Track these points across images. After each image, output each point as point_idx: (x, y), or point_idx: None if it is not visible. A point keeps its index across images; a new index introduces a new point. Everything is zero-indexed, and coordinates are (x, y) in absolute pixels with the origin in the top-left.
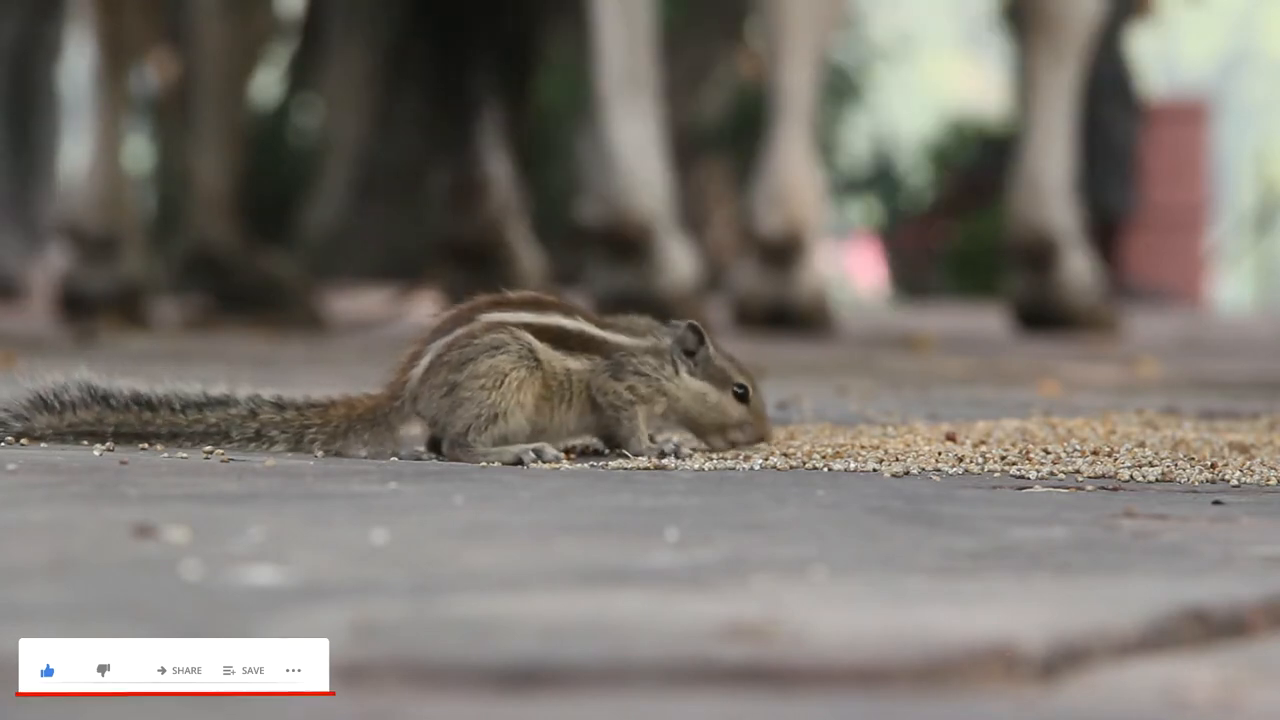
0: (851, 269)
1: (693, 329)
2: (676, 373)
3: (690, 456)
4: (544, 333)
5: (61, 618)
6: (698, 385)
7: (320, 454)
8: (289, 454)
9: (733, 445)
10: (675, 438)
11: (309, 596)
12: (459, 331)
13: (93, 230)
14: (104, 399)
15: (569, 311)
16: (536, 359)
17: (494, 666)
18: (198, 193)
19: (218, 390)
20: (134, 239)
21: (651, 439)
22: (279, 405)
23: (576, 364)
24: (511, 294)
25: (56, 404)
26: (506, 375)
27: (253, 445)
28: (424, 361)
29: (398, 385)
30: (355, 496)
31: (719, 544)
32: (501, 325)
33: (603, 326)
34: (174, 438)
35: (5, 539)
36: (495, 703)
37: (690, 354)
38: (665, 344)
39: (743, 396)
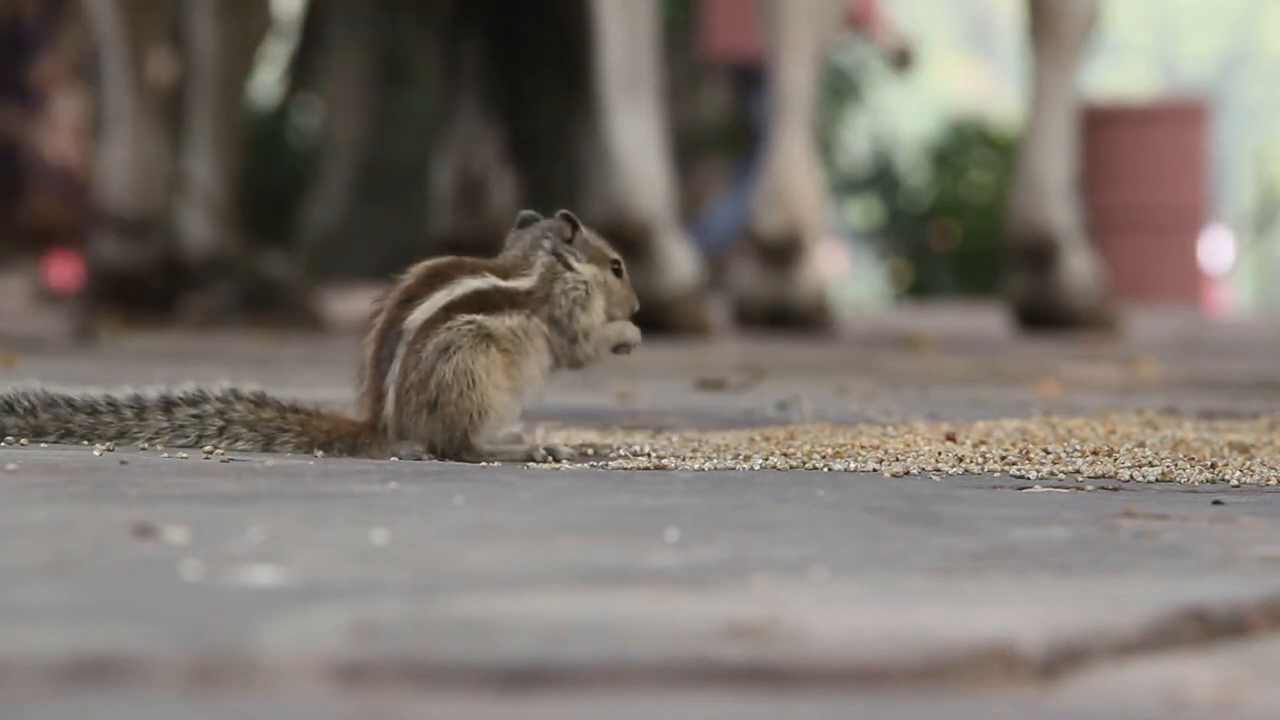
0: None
1: (565, 218)
2: (569, 266)
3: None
4: (470, 304)
5: (61, 618)
6: (590, 269)
7: (320, 454)
8: (289, 454)
9: (623, 342)
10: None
11: (309, 596)
12: (400, 353)
13: (129, 213)
14: (68, 404)
15: (473, 270)
16: (486, 332)
17: (494, 666)
18: (195, 193)
19: (185, 390)
20: (168, 221)
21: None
22: (257, 404)
23: (513, 320)
24: (409, 281)
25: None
26: (473, 370)
27: (230, 444)
28: (389, 398)
29: (375, 417)
30: (355, 496)
31: (719, 544)
32: (432, 324)
33: (504, 275)
34: (151, 440)
35: (5, 539)
36: (495, 703)
37: (568, 241)
38: (544, 257)
39: (619, 272)
